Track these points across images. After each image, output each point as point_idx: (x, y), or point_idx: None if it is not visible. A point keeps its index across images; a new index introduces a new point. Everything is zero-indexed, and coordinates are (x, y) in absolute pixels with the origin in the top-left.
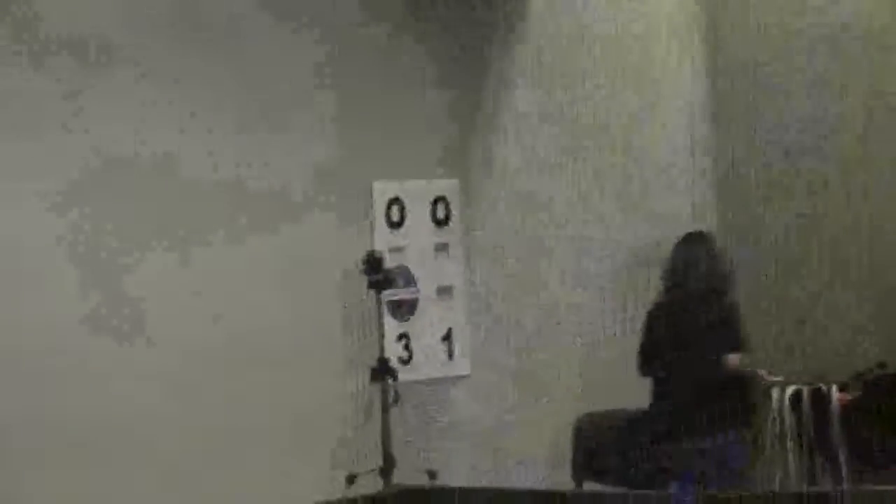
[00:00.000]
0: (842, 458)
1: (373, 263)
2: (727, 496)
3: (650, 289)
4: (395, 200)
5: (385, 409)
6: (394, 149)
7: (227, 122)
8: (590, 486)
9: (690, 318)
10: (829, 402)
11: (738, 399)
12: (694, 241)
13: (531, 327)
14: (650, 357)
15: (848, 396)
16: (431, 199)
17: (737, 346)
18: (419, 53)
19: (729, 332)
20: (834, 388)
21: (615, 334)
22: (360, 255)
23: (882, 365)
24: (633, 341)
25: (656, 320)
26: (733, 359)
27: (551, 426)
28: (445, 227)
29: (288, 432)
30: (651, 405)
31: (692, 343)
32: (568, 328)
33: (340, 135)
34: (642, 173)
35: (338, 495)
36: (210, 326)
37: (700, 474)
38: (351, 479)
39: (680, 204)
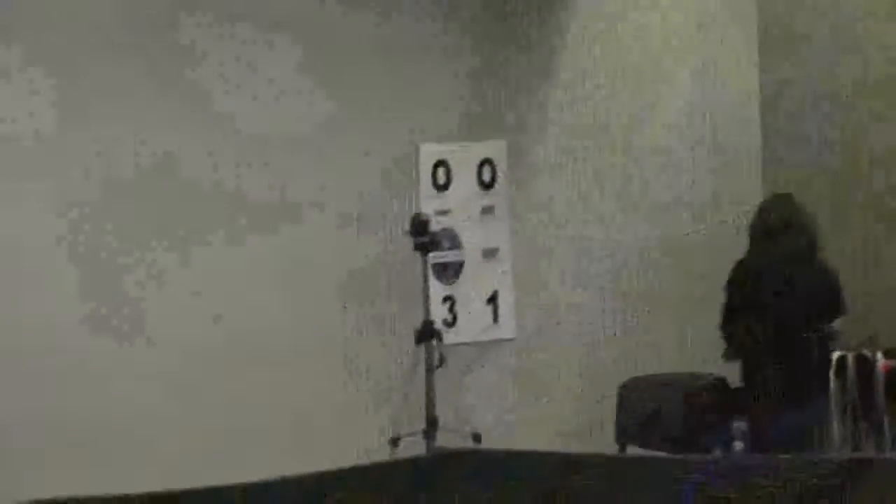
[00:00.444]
0: (886, 424)
1: (419, 226)
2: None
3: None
4: (441, 163)
5: (430, 372)
6: (440, 111)
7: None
8: (633, 450)
9: (792, 275)
10: (874, 367)
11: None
12: (784, 200)
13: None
14: (734, 321)
15: (893, 362)
16: (478, 161)
17: (842, 311)
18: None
19: (833, 296)
20: (879, 353)
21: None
22: (407, 217)
23: None
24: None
25: (745, 274)
26: (838, 323)
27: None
28: (491, 190)
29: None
30: (746, 377)
31: (792, 308)
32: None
33: (388, 97)
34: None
35: (383, 457)
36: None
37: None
38: (395, 442)
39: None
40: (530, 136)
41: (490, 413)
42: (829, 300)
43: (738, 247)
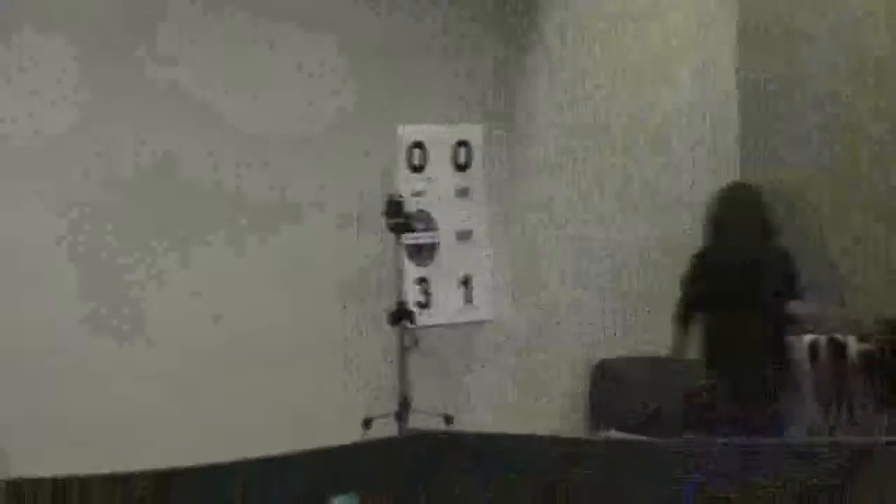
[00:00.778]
0: (857, 406)
1: (393, 207)
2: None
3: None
4: (417, 144)
5: (402, 353)
6: (417, 93)
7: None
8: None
9: (742, 264)
10: (847, 351)
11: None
12: (736, 189)
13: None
14: (694, 307)
15: (867, 346)
16: (454, 143)
17: (797, 293)
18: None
19: (787, 279)
20: (851, 338)
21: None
22: (383, 198)
23: None
24: None
25: (701, 268)
26: (797, 306)
27: (568, 373)
28: (467, 172)
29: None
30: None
31: (746, 291)
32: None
33: (364, 79)
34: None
35: (354, 438)
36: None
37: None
38: (367, 423)
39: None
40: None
41: (462, 395)
42: (784, 284)
43: None
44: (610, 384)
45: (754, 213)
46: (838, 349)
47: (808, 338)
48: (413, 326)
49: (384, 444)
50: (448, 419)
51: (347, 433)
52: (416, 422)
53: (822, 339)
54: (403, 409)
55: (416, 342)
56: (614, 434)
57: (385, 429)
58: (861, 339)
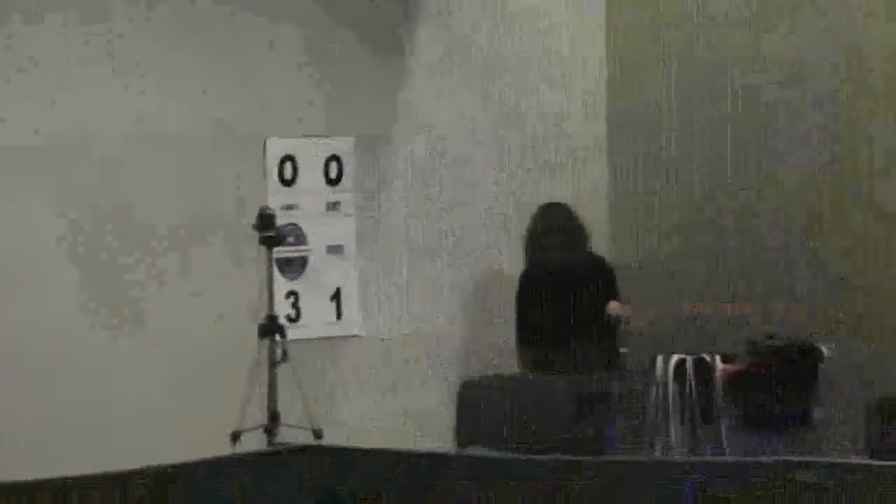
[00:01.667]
0: (723, 427)
1: (264, 220)
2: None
3: None
4: (288, 158)
5: (272, 367)
6: (288, 105)
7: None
8: (474, 450)
9: (562, 276)
10: (713, 371)
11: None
12: (551, 208)
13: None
14: (530, 327)
15: (733, 366)
16: (325, 157)
17: (614, 294)
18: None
19: (603, 283)
20: (718, 357)
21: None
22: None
23: (770, 336)
24: None
25: (527, 289)
26: (615, 306)
27: (437, 390)
28: (338, 186)
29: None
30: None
31: (570, 301)
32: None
33: (235, 90)
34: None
35: (223, 452)
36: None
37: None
38: (236, 437)
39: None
40: (394, 138)
41: (333, 409)
42: (604, 287)
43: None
44: (474, 402)
45: (565, 225)
46: (705, 369)
47: (675, 357)
48: (282, 340)
49: (255, 458)
50: (317, 433)
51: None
52: (286, 436)
53: (690, 358)
54: (273, 422)
55: (285, 356)
56: (479, 451)
57: (254, 443)
58: (725, 359)
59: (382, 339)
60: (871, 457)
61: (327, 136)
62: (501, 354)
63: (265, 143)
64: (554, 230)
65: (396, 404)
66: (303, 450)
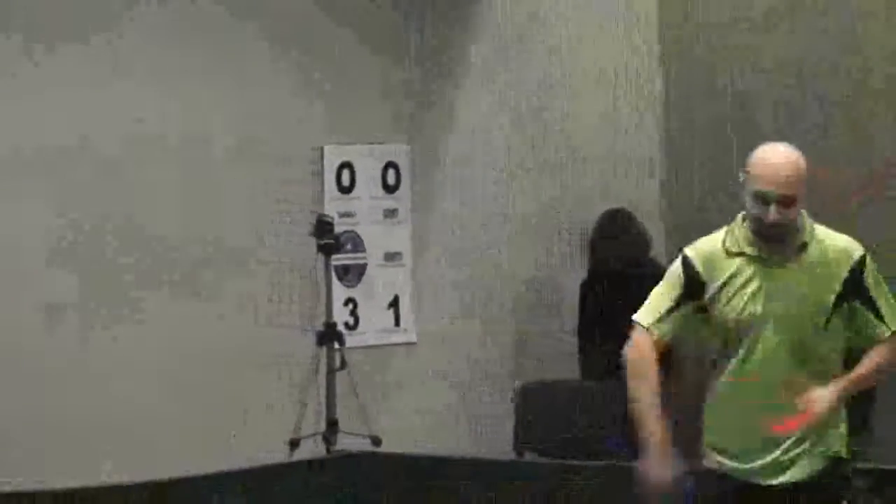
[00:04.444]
0: None
1: (322, 227)
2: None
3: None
4: (345, 165)
5: (330, 374)
6: (346, 113)
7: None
8: (532, 457)
9: (622, 283)
10: None
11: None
12: (615, 213)
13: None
14: (590, 329)
15: None
16: (382, 164)
17: None
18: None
19: None
20: None
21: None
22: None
23: None
24: None
25: (589, 293)
26: None
27: (494, 396)
28: (395, 193)
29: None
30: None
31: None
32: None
33: (293, 98)
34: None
35: (281, 459)
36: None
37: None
38: (294, 444)
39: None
40: (438, 139)
41: (389, 416)
42: None
43: None
44: (532, 408)
45: (627, 233)
46: None
47: None
48: (340, 347)
49: (313, 465)
50: (375, 440)
51: (273, 453)
52: (344, 443)
53: None
54: (331, 430)
55: (343, 364)
56: (536, 459)
57: (312, 449)
58: None
59: (438, 346)
60: None
61: (383, 143)
62: (558, 360)
63: (323, 150)
64: (615, 237)
65: (453, 410)
66: (362, 456)
